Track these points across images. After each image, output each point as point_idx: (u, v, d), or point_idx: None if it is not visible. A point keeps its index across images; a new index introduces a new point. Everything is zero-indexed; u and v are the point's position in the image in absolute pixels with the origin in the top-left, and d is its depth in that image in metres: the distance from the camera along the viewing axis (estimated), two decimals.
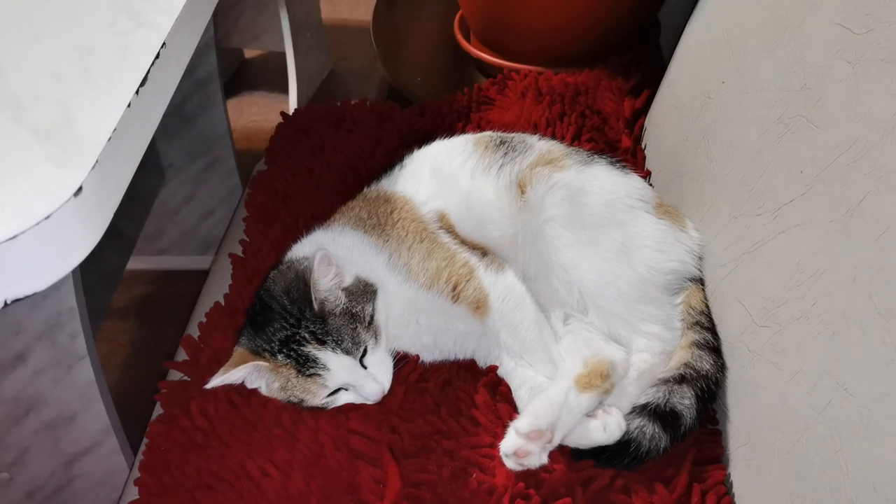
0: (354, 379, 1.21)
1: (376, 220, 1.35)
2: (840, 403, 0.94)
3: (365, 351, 1.22)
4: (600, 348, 1.23)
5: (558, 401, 1.15)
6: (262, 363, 1.20)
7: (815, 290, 1.02)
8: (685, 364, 1.21)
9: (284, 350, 1.19)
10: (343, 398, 1.23)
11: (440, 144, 1.48)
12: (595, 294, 1.28)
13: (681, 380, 1.19)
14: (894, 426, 0.87)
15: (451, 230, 1.35)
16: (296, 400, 1.21)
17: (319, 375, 1.20)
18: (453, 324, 1.29)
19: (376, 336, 1.23)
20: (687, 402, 1.17)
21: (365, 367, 1.22)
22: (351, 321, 1.21)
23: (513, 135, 1.48)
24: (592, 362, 1.20)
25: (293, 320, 1.20)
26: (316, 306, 1.20)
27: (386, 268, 1.29)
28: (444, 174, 1.41)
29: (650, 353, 1.25)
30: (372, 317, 1.23)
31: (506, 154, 1.41)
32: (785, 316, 1.07)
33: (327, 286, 1.21)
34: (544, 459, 1.12)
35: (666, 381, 1.20)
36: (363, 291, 1.24)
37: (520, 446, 1.12)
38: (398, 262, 1.29)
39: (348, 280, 1.25)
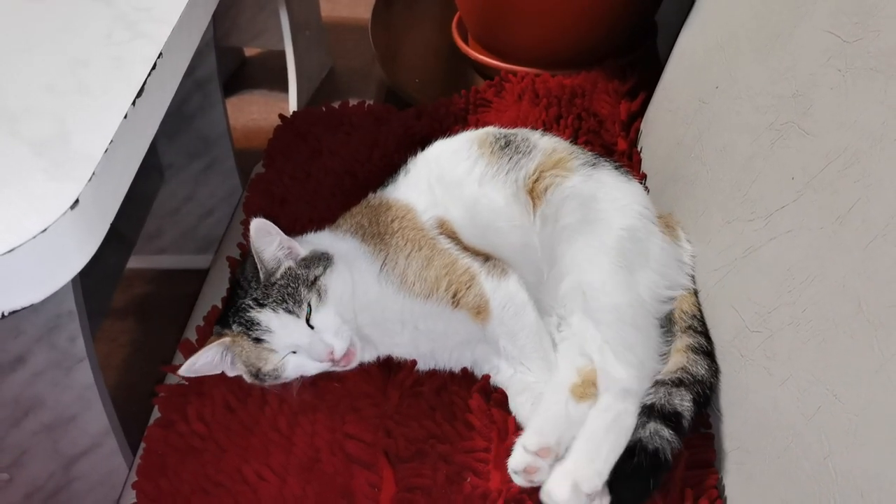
0: (300, 339, 1.21)
1: (376, 228, 1.34)
2: (829, 410, 0.95)
3: (310, 311, 1.22)
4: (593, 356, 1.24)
5: (561, 414, 1.16)
6: (225, 339, 1.22)
7: (805, 296, 1.03)
8: (682, 368, 1.21)
9: (236, 320, 1.22)
10: (292, 362, 1.23)
11: (442, 147, 1.47)
12: (599, 308, 1.26)
13: (678, 383, 1.19)
14: (882, 434, 0.87)
15: (452, 236, 1.35)
16: (255, 372, 1.23)
17: (264, 340, 1.21)
18: (453, 328, 1.28)
19: (320, 294, 1.22)
20: (687, 404, 1.17)
21: (312, 328, 1.22)
22: (293, 281, 1.22)
23: (515, 131, 1.47)
24: (586, 371, 1.21)
25: (242, 292, 1.22)
26: (262, 276, 1.21)
27: (377, 277, 1.28)
28: (447, 181, 1.40)
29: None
30: (317, 278, 1.23)
31: (511, 158, 1.40)
32: (776, 321, 1.08)
33: (272, 254, 1.22)
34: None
35: (664, 384, 1.20)
36: (317, 259, 1.25)
37: (529, 463, 1.12)
38: (393, 271, 1.28)
39: (303, 253, 1.25)
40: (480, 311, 1.27)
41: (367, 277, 1.28)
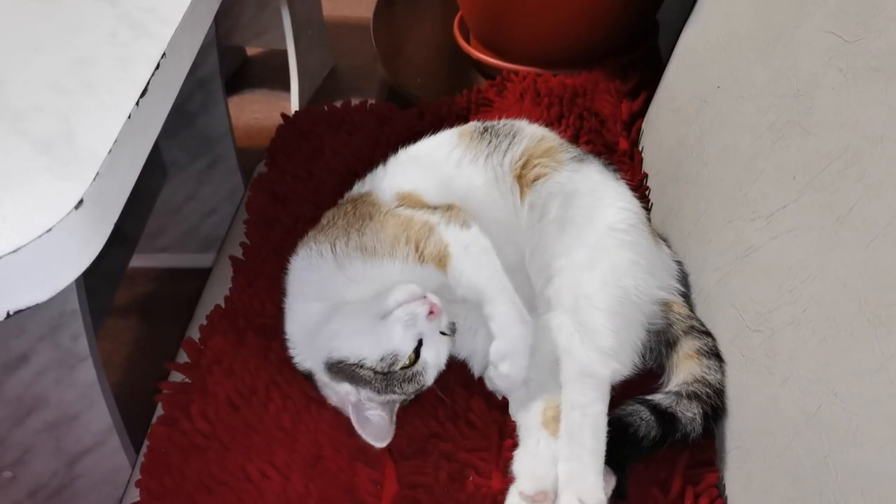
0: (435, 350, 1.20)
1: (332, 219, 1.31)
2: (829, 408, 0.95)
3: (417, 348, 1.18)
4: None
5: (545, 453, 1.14)
6: None
7: (806, 295, 1.04)
8: (699, 381, 1.20)
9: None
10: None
11: (425, 142, 1.47)
12: (576, 298, 1.24)
13: (693, 397, 1.18)
14: (881, 431, 0.88)
15: (414, 204, 1.31)
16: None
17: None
18: (427, 285, 1.23)
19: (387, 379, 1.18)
20: (690, 414, 1.17)
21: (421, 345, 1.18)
22: (382, 383, 1.18)
23: (498, 121, 1.47)
24: (553, 404, 1.19)
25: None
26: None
27: (334, 264, 1.24)
28: (422, 165, 1.39)
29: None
30: (345, 366, 1.18)
31: (490, 143, 1.40)
32: (777, 321, 1.09)
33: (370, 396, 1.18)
34: None
35: (678, 394, 1.19)
36: (339, 374, 1.19)
37: None
38: (347, 245, 1.24)
39: (342, 384, 1.20)
40: (442, 258, 1.23)
41: (324, 274, 1.25)
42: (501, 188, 1.38)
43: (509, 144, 1.40)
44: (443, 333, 1.20)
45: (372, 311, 1.19)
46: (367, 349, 1.17)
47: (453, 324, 1.23)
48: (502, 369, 1.17)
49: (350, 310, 1.21)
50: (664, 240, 1.39)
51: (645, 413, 1.16)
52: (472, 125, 1.47)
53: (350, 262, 1.23)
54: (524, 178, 1.37)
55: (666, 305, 1.28)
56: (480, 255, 1.23)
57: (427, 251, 1.23)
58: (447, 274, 1.22)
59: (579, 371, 1.18)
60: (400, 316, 1.17)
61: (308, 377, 1.25)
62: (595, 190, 1.35)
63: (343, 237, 1.25)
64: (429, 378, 1.19)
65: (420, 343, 1.18)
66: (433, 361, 1.19)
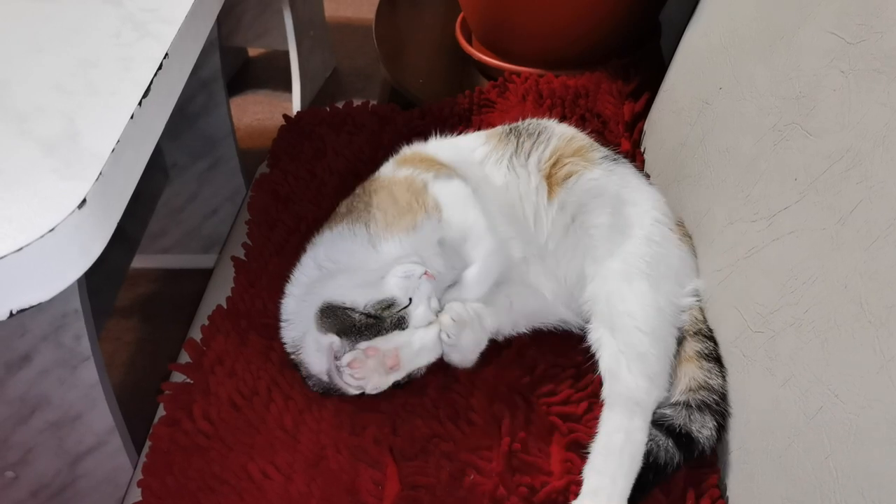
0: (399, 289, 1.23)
1: (351, 206, 1.35)
2: (830, 409, 0.95)
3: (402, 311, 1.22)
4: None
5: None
6: None
7: (807, 296, 1.04)
8: (703, 387, 1.19)
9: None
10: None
11: (449, 139, 1.49)
12: (618, 314, 1.25)
13: (703, 407, 1.17)
14: (882, 432, 0.88)
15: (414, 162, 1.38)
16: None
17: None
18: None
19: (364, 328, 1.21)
20: (706, 431, 1.16)
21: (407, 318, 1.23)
22: (363, 328, 1.21)
23: (522, 122, 1.49)
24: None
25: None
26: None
27: (368, 245, 1.27)
28: (445, 146, 1.42)
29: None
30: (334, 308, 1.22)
31: (515, 143, 1.41)
32: (778, 322, 1.09)
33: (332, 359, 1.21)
34: (382, 385, 1.19)
35: (686, 405, 1.18)
36: (329, 319, 1.23)
37: (355, 356, 1.17)
38: (377, 225, 1.28)
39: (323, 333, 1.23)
40: (436, 209, 1.29)
41: (359, 255, 1.28)
42: (523, 189, 1.38)
43: (534, 144, 1.41)
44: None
45: (374, 272, 1.25)
46: (363, 297, 1.22)
47: None
48: (472, 288, 1.26)
49: (355, 270, 1.26)
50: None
51: (661, 439, 1.15)
52: (500, 128, 1.48)
53: (383, 241, 1.27)
54: (554, 176, 1.38)
55: (691, 310, 1.29)
56: (467, 199, 1.31)
57: (428, 206, 1.29)
58: (441, 223, 1.29)
59: (627, 397, 1.18)
60: (397, 271, 1.23)
61: (291, 355, 1.27)
62: (633, 196, 1.36)
63: (373, 221, 1.29)
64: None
65: (410, 302, 1.22)
66: (421, 321, 1.22)
